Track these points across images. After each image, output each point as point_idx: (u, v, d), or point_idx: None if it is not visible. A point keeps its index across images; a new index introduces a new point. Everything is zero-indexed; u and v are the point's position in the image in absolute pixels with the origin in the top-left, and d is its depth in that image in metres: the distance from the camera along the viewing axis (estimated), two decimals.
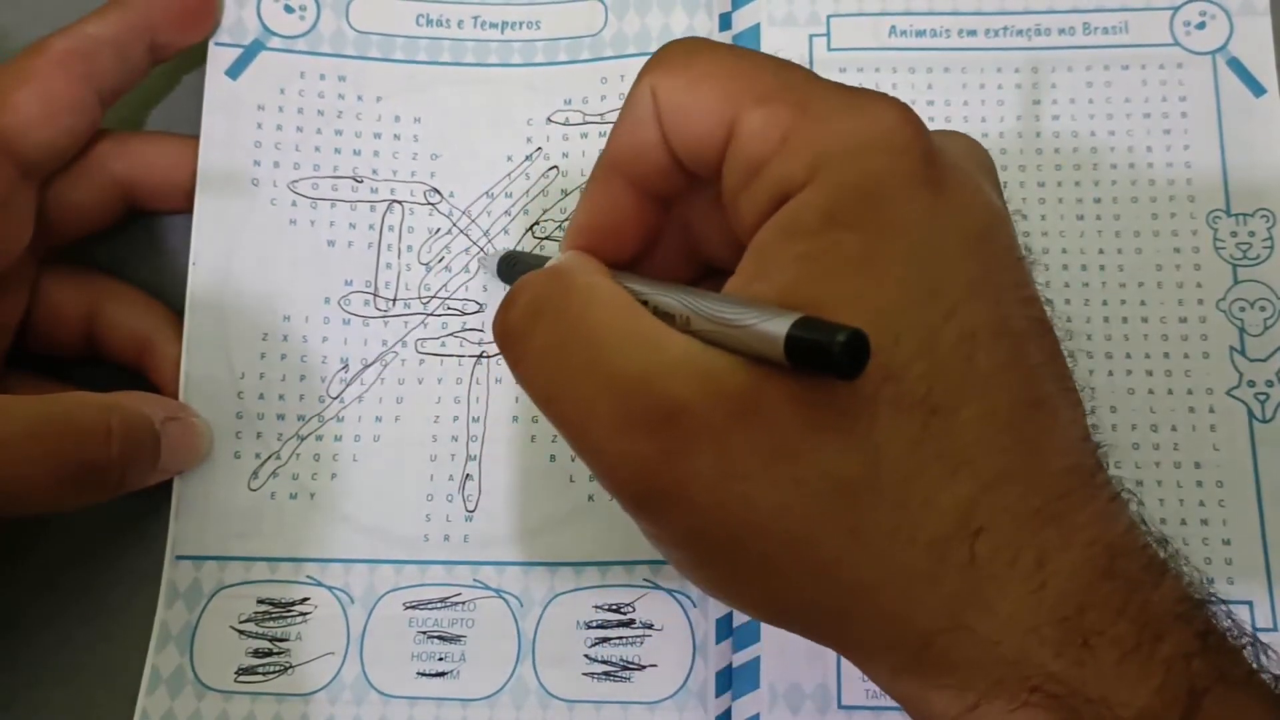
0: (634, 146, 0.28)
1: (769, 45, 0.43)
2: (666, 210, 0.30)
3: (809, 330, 0.22)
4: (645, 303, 0.27)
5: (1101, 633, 0.24)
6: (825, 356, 0.22)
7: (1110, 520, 0.25)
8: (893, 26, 0.43)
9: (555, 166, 0.42)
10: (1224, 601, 0.26)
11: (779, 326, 0.22)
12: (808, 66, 0.42)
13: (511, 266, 0.33)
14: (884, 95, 0.27)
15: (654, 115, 0.28)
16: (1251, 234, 0.40)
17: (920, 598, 0.24)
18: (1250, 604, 0.37)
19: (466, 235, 0.41)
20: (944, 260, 0.25)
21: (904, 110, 0.26)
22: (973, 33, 0.42)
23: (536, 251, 0.41)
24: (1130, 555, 0.25)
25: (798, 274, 0.25)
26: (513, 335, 0.27)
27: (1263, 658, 0.25)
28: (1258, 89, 0.41)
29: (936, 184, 0.26)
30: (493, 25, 0.44)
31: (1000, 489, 0.24)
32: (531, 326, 0.27)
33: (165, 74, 0.43)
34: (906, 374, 0.24)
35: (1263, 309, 0.39)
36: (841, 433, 0.24)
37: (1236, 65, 0.41)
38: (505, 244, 0.42)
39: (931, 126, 0.44)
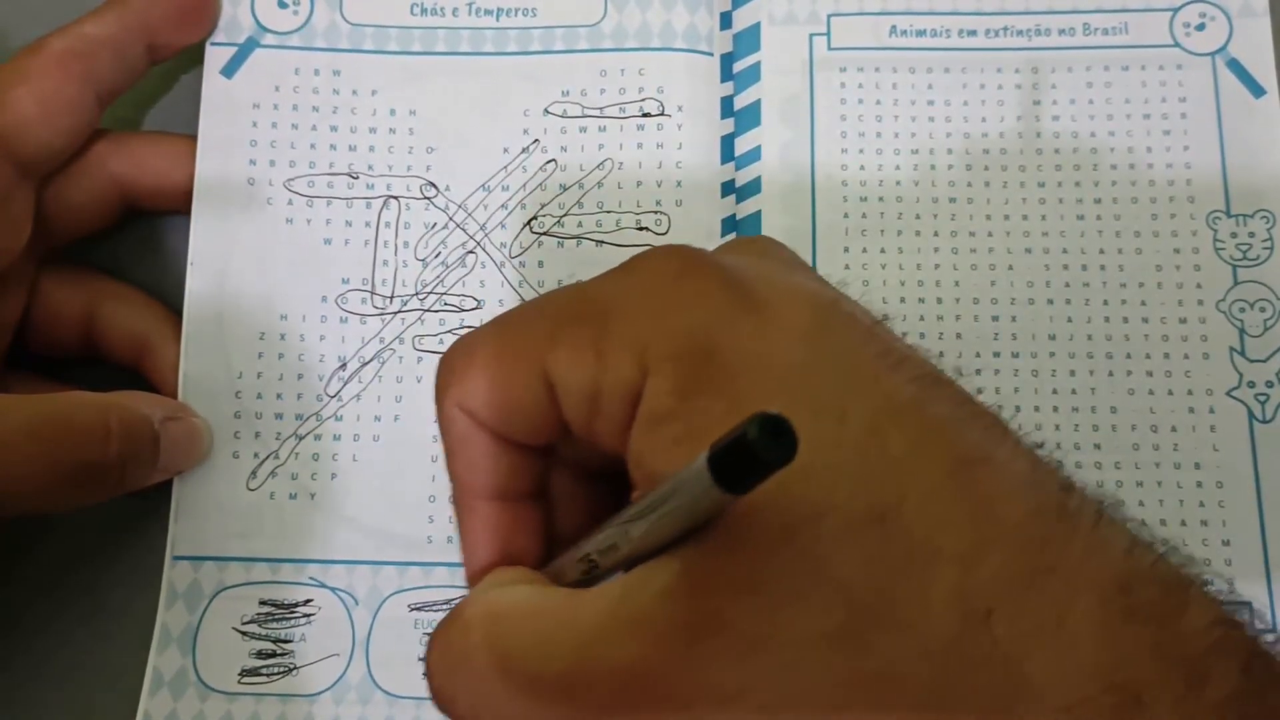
0: (476, 468, 0.28)
1: (769, 44, 0.43)
2: (543, 494, 0.29)
3: (721, 442, 0.19)
4: (589, 557, 0.25)
5: (1148, 682, 0.21)
6: (746, 449, 0.19)
7: (1105, 548, 0.23)
8: (893, 26, 0.43)
9: (553, 160, 0.42)
10: (1247, 603, 0.24)
11: (698, 463, 0.20)
12: (805, 68, 0.43)
13: None
14: (653, 251, 0.26)
15: (475, 426, 0.27)
16: (1251, 235, 0.40)
17: (963, 707, 0.22)
18: (1250, 605, 0.37)
19: (463, 229, 0.41)
20: (804, 374, 0.24)
21: (676, 252, 0.25)
22: (973, 33, 0.42)
23: (534, 248, 0.41)
24: (1145, 582, 0.23)
25: (679, 454, 0.23)
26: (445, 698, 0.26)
27: None
28: (1257, 90, 0.41)
29: (750, 306, 0.25)
30: (488, 12, 0.43)
31: (982, 563, 0.22)
32: (452, 685, 0.26)
33: (163, 73, 0.43)
34: (835, 496, 0.22)
35: (1263, 310, 0.39)
36: (802, 593, 0.22)
37: (1236, 67, 0.41)
38: (502, 238, 0.41)
39: (932, 126, 0.43)
